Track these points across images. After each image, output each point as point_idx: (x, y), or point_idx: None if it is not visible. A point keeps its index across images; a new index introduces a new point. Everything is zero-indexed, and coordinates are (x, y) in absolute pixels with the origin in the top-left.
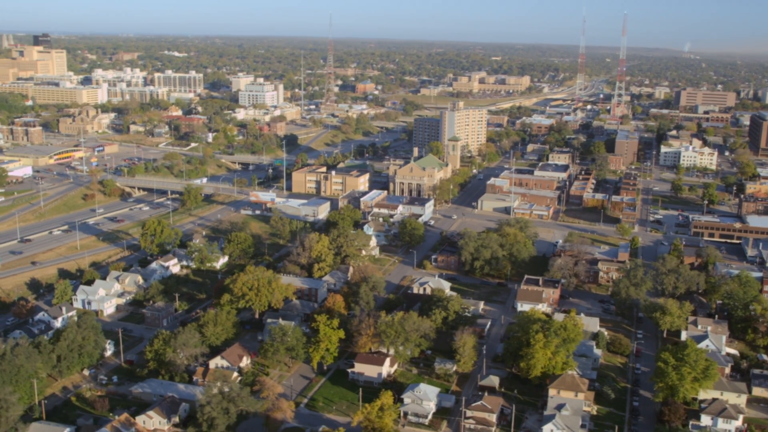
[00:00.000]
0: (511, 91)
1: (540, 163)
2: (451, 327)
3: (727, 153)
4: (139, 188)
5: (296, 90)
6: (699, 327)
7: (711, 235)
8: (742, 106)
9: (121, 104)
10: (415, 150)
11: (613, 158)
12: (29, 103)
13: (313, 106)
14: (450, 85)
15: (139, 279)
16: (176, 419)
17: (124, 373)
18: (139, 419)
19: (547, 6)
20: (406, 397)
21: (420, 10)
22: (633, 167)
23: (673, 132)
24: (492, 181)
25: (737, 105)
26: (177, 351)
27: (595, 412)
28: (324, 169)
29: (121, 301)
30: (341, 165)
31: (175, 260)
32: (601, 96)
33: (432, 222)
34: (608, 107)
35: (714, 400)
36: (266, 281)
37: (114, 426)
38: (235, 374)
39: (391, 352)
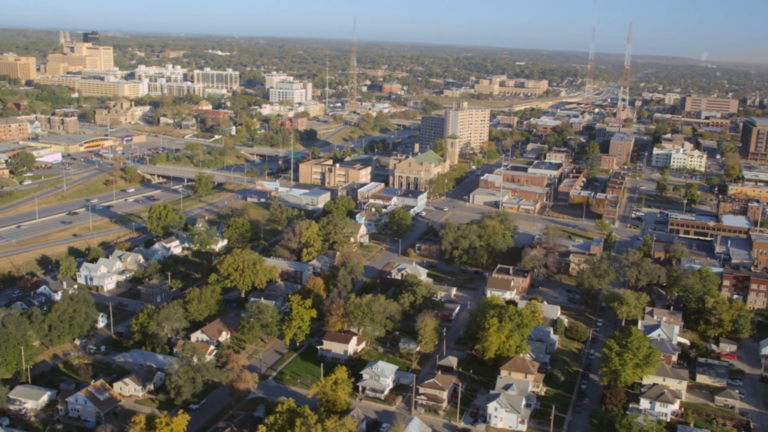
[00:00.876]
0: (529, 94)
1: (535, 161)
2: (419, 310)
3: (718, 156)
4: (158, 175)
5: (326, 88)
6: (655, 317)
7: (686, 232)
8: (745, 113)
9: (157, 98)
10: (416, 146)
11: (607, 158)
12: (75, 95)
13: (339, 104)
14: (472, 87)
15: (140, 258)
16: (151, 387)
17: (112, 344)
18: (116, 386)
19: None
20: (365, 374)
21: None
22: (625, 167)
23: (668, 135)
24: (485, 176)
25: (740, 112)
26: (160, 325)
27: (543, 393)
28: (330, 162)
29: (122, 278)
30: (348, 159)
31: (177, 242)
32: (608, 100)
33: (424, 213)
34: (615, 111)
35: (654, 385)
36: (251, 263)
37: (89, 390)
38: (212, 347)
39: (360, 331)
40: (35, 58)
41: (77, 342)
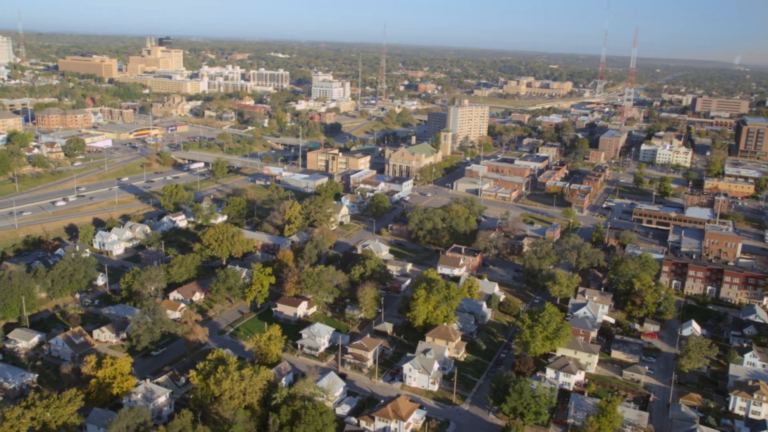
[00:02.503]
0: (553, 94)
1: (524, 155)
2: (369, 280)
3: (708, 153)
4: (188, 160)
5: (366, 87)
6: (586, 297)
7: (649, 222)
8: (756, 113)
9: (210, 94)
10: (413, 138)
11: (595, 153)
12: (146, 91)
13: (373, 101)
14: (501, 88)
15: (147, 229)
16: (123, 335)
17: (105, 299)
18: (96, 332)
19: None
20: (303, 333)
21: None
22: (613, 161)
23: (660, 132)
24: (471, 167)
25: (752, 112)
26: (143, 284)
27: (462, 359)
28: (336, 150)
29: (129, 245)
30: (354, 148)
31: (183, 216)
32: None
33: (407, 198)
34: (624, 110)
35: (561, 356)
36: (230, 235)
37: (67, 335)
38: (182, 305)
39: (311, 297)
40: (118, 59)
41: (77, 296)
